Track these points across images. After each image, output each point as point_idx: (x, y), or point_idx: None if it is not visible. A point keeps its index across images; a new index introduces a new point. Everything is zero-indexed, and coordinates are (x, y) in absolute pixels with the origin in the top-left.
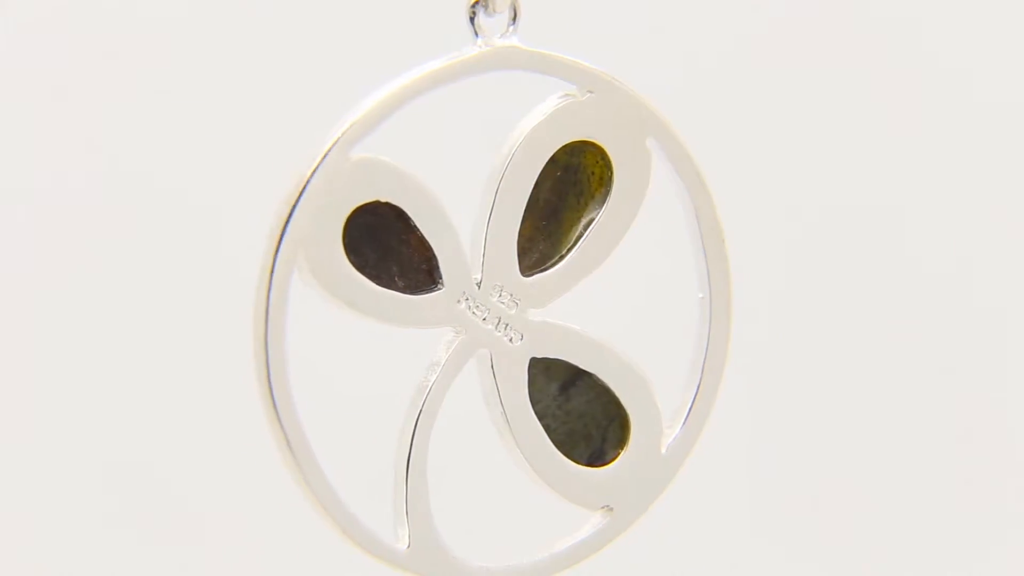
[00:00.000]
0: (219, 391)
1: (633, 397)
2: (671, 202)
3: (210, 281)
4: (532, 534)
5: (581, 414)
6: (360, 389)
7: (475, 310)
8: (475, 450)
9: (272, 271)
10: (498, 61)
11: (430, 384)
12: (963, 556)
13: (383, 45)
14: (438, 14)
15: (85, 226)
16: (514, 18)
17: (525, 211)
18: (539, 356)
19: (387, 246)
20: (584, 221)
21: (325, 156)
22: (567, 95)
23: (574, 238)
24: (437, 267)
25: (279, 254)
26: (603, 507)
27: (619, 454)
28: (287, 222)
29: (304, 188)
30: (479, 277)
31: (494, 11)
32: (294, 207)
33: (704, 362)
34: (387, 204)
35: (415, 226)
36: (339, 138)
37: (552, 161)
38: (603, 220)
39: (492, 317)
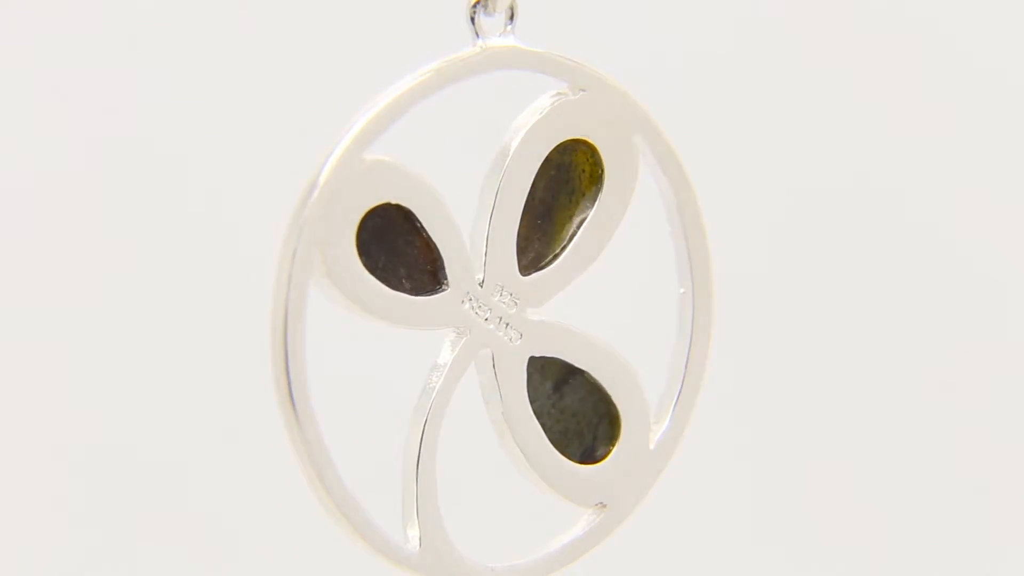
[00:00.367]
0: (222, 392)
1: (624, 394)
2: (645, 199)
3: (220, 284)
4: (529, 533)
5: (574, 412)
6: (360, 390)
7: (478, 310)
8: (471, 450)
9: (290, 276)
10: (502, 61)
11: (437, 385)
12: (960, 553)
13: (379, 46)
14: (435, 15)
15: (98, 228)
16: (511, 17)
17: (523, 210)
18: (537, 355)
19: (394, 248)
20: (576, 220)
21: (341, 157)
22: (559, 94)
23: (567, 236)
24: (442, 268)
25: (296, 258)
26: (597, 504)
27: (610, 451)
28: (304, 224)
29: (320, 190)
30: (481, 277)
31: (494, 11)
32: (310, 209)
33: (688, 357)
34: (394, 206)
35: (421, 227)
36: (354, 139)
37: (546, 160)
38: (594, 218)
39: (493, 317)
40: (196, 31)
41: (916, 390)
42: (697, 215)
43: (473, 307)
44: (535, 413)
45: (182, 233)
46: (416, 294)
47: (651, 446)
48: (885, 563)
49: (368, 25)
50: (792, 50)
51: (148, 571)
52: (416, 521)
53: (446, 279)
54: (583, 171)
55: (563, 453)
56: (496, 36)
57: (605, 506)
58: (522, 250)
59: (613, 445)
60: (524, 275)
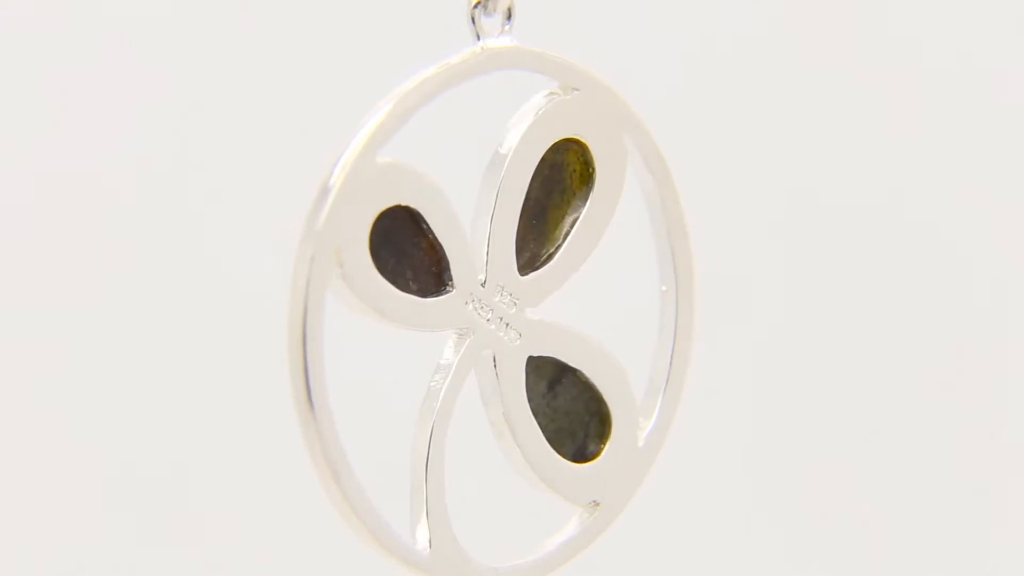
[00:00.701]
0: (227, 394)
1: (614, 392)
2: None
3: (219, 288)
4: (522, 532)
5: (567, 411)
6: (360, 390)
7: (480, 311)
8: (462, 451)
9: (308, 279)
10: (503, 61)
11: (443, 387)
12: (945, 546)
13: (378, 46)
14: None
15: (107, 231)
16: (508, 17)
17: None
18: (535, 355)
19: (402, 250)
20: (569, 219)
21: (356, 159)
22: (552, 93)
23: (561, 236)
24: (446, 270)
25: (315, 262)
26: (591, 502)
27: (601, 449)
28: (322, 228)
29: (336, 193)
30: (483, 278)
31: (493, 11)
32: (328, 212)
33: (671, 354)
34: (402, 208)
35: (427, 229)
36: (368, 140)
37: (541, 159)
38: (586, 217)
39: (495, 317)
40: (196, 31)
41: (900, 384)
42: (680, 214)
43: (476, 308)
44: (532, 412)
45: (181, 235)
46: (422, 296)
47: (640, 444)
48: (881, 559)
49: (367, 25)
50: (792, 50)
51: (148, 570)
52: (426, 522)
53: (451, 280)
54: (574, 170)
55: (558, 452)
56: (495, 36)
57: (598, 504)
58: (519, 250)
59: (604, 443)
60: (523, 275)
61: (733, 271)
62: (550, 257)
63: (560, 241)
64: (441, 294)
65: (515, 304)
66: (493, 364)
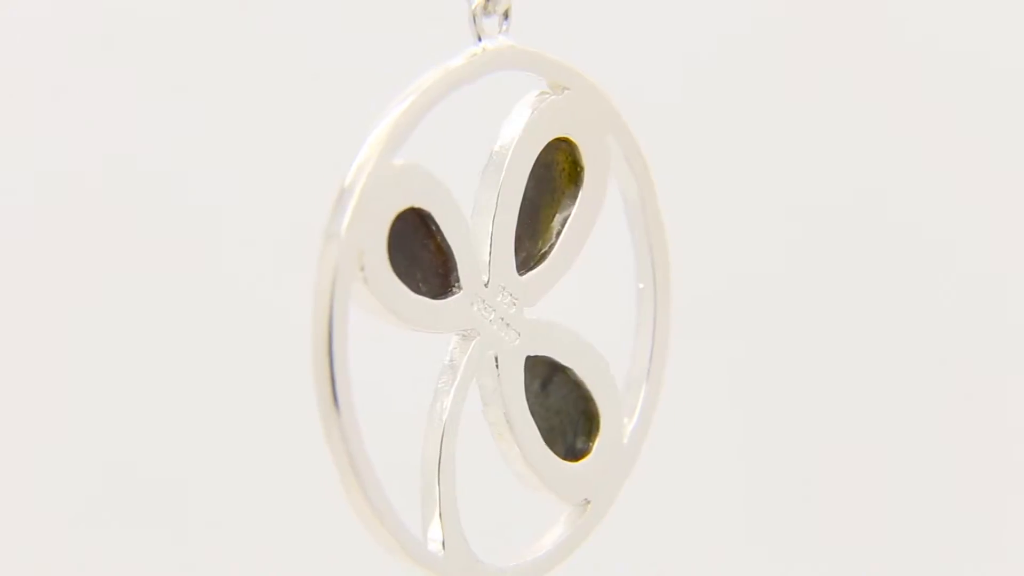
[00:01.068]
0: (229, 394)
1: (603, 391)
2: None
3: (221, 290)
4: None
5: (558, 410)
6: (359, 391)
7: (483, 311)
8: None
9: (333, 282)
10: (503, 60)
11: (452, 388)
12: (951, 545)
13: (378, 45)
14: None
15: (120, 237)
16: (506, 17)
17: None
18: (532, 354)
19: (412, 252)
20: (559, 217)
21: (376, 162)
22: (544, 92)
23: (553, 235)
24: (453, 271)
25: (339, 265)
26: (583, 500)
27: (591, 447)
28: (345, 231)
29: (358, 195)
30: (486, 278)
31: (493, 11)
32: (350, 215)
33: (651, 351)
34: (415, 210)
35: (436, 231)
36: (385, 143)
37: (535, 159)
38: (576, 215)
39: (496, 317)
40: (195, 30)
41: (884, 377)
42: (657, 212)
43: (480, 309)
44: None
45: (182, 237)
46: (431, 297)
47: (624, 440)
48: (867, 552)
49: (367, 25)
50: (790, 51)
51: (150, 571)
52: (439, 523)
53: (458, 282)
54: (563, 169)
55: (552, 451)
56: (494, 36)
57: (590, 502)
58: (516, 250)
59: (593, 441)
60: (520, 275)
61: (719, 269)
62: (544, 256)
63: (553, 240)
64: (448, 295)
65: (515, 304)
66: (495, 364)
